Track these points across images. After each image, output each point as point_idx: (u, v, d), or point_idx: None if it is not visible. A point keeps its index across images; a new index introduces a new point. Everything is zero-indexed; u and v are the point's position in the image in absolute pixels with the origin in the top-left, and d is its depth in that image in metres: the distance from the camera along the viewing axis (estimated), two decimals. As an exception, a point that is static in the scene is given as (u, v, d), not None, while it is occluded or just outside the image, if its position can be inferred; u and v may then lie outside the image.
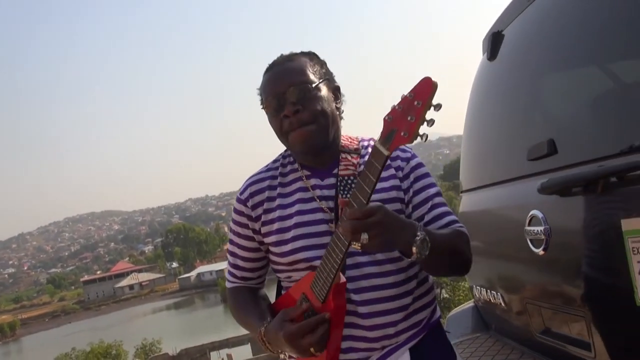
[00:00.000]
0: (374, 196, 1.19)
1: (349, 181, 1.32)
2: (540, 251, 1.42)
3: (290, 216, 1.33)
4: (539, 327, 1.56)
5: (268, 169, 1.44)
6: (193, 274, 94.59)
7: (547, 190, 1.34)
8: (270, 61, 1.39)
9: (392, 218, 1.12)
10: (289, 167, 1.41)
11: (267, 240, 1.36)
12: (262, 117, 1.42)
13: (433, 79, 1.01)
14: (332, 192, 1.33)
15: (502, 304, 1.80)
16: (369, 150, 1.30)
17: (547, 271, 1.46)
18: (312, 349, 1.21)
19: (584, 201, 1.26)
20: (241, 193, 1.42)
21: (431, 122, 1.02)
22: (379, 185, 1.27)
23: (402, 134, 1.03)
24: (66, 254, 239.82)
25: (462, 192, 2.18)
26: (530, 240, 1.46)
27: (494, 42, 1.90)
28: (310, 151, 1.34)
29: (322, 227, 1.30)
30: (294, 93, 1.30)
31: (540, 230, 1.41)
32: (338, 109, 1.38)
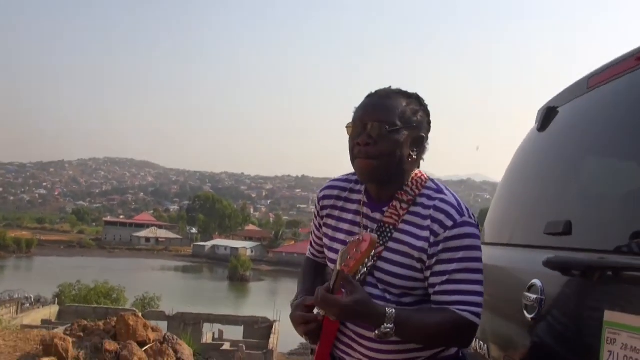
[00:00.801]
0: (397, 246, 1.45)
1: (388, 228, 1.47)
2: (530, 317, 1.54)
3: (340, 231, 1.58)
4: (512, 385, 1.67)
5: (345, 179, 1.63)
6: (209, 244, 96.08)
7: (550, 265, 1.46)
8: (371, 88, 1.54)
9: (347, 311, 1.33)
10: (358, 187, 1.58)
11: (323, 237, 1.64)
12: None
13: (374, 240, 1.30)
14: (373, 226, 1.50)
15: (487, 356, 1.92)
16: (422, 202, 1.47)
17: (531, 336, 1.57)
18: (304, 337, 1.50)
19: (579, 283, 1.38)
20: (320, 191, 1.67)
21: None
22: (408, 239, 1.44)
23: (344, 265, 1.32)
24: (97, 191, 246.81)
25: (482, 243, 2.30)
26: (525, 304, 1.58)
27: (547, 115, 2.01)
28: (365, 181, 1.52)
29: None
30: (373, 128, 1.43)
31: (535, 298, 1.53)
32: (411, 155, 1.48)
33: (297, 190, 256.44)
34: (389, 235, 1.46)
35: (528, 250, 1.75)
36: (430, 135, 1.55)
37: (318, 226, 1.67)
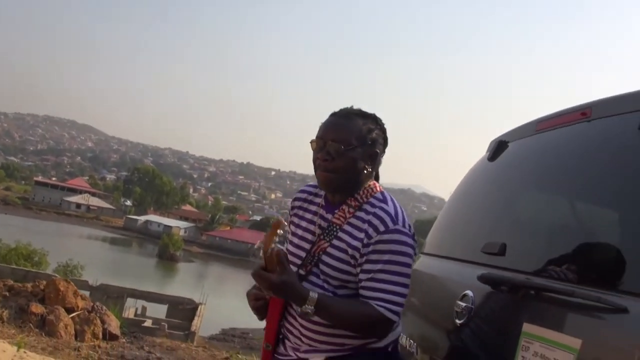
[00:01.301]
0: (340, 244, 1.69)
1: (335, 228, 1.71)
2: (458, 322, 1.76)
3: (300, 227, 1.83)
4: (435, 381, 1.89)
5: (314, 186, 1.88)
6: (142, 218, 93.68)
7: (484, 279, 1.68)
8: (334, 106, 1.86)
9: (276, 288, 1.59)
10: (321, 192, 1.85)
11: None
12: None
13: (283, 222, 1.67)
14: (325, 225, 1.75)
15: (415, 354, 2.13)
16: (367, 208, 1.70)
17: (458, 340, 1.79)
18: (254, 311, 1.82)
19: (505, 298, 1.60)
20: (296, 193, 1.94)
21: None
22: (348, 239, 1.68)
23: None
24: (31, 148, 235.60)
25: (422, 253, 2.51)
26: (456, 311, 1.79)
27: (498, 148, 2.25)
28: (324, 190, 1.78)
29: (306, 246, 1.78)
30: (331, 146, 1.68)
31: (466, 307, 1.74)
32: (366, 168, 1.72)
33: (240, 177, 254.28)
34: (335, 233, 1.70)
35: (465, 264, 1.97)
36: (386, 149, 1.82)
37: (290, 223, 1.90)
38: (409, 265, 1.65)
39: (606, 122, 1.62)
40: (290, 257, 1.76)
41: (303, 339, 1.73)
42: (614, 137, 1.56)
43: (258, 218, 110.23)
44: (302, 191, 1.91)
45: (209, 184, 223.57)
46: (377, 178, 1.83)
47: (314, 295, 1.58)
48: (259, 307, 1.80)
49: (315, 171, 1.74)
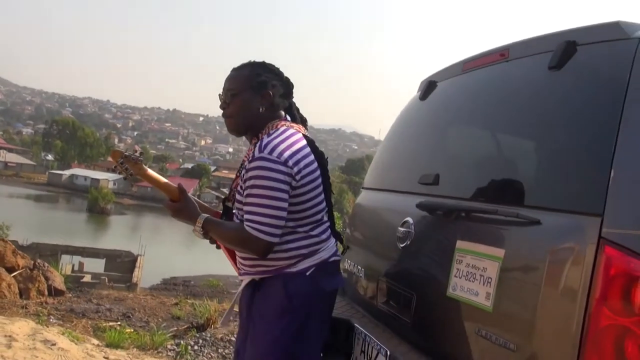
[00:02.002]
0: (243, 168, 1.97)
1: (243, 164, 1.98)
2: (400, 245, 2.00)
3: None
4: (382, 298, 2.15)
5: None
6: (67, 172, 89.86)
7: (421, 206, 1.91)
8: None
9: (175, 212, 2.00)
10: None
11: None
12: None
13: (120, 153, 2.04)
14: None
15: (362, 277, 2.38)
16: (258, 143, 1.94)
17: (401, 260, 2.04)
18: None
19: (441, 221, 1.85)
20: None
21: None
22: (246, 163, 1.95)
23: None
24: None
25: (363, 187, 2.74)
26: (398, 237, 2.03)
27: (428, 87, 2.45)
28: (232, 134, 2.07)
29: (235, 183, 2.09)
30: (224, 96, 2.02)
31: (407, 232, 1.98)
32: (260, 108, 1.99)
33: (167, 124, 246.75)
34: (244, 168, 1.95)
35: (404, 195, 2.20)
36: (297, 90, 2.09)
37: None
38: (272, 189, 1.83)
39: (522, 62, 1.85)
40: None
41: (239, 265, 2.07)
42: (528, 76, 1.79)
43: (189, 166, 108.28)
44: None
45: (135, 133, 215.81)
46: (293, 119, 2.06)
47: (201, 217, 1.93)
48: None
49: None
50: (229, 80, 2.02)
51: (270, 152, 1.85)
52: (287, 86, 2.06)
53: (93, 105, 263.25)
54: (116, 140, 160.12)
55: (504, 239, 1.56)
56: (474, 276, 1.60)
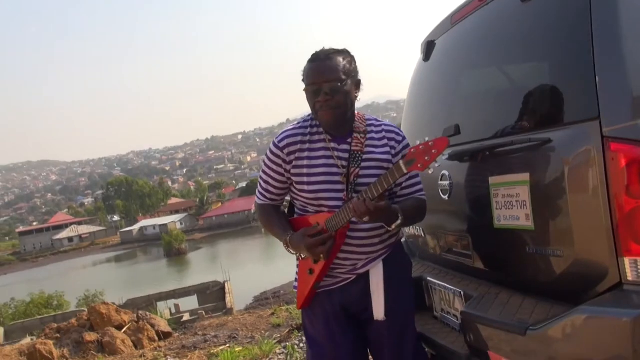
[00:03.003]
0: (369, 163, 1.96)
1: (358, 155, 1.97)
2: (446, 197, 2.19)
3: (317, 166, 1.98)
4: (445, 248, 2.35)
5: (300, 126, 2.04)
6: (136, 227, 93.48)
7: (452, 157, 2.10)
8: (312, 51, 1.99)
9: (386, 212, 1.83)
10: (315, 130, 2.03)
11: (296, 179, 2.01)
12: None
13: (449, 140, 1.71)
14: (345, 155, 1.97)
15: (423, 236, 2.59)
16: (373, 130, 2.02)
17: (449, 210, 2.23)
18: (322, 255, 1.94)
19: (471, 165, 2.03)
20: (280, 142, 2.02)
21: (433, 168, 1.73)
22: (378, 150, 1.99)
23: (419, 165, 1.72)
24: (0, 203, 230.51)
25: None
26: (441, 190, 2.22)
27: (428, 47, 2.62)
28: (330, 127, 1.98)
29: (337, 178, 1.97)
30: (328, 87, 1.91)
31: (447, 184, 2.17)
32: (356, 96, 2.01)
33: (211, 152, 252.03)
34: (360, 158, 1.96)
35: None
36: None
37: (282, 172, 2.03)
38: None
39: (499, 2, 2.00)
40: (324, 187, 1.97)
41: (362, 257, 2.01)
42: (507, 13, 1.94)
43: (244, 184, 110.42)
44: (291, 136, 2.01)
45: (184, 170, 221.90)
46: None
47: (399, 209, 1.89)
48: (328, 249, 1.92)
49: (316, 114, 1.96)
50: (327, 71, 1.91)
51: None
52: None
53: (138, 158, 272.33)
54: (170, 183, 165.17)
55: (526, 164, 1.73)
56: (511, 204, 1.78)
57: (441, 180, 2.22)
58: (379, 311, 2.02)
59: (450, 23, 2.40)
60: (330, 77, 1.91)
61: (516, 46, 1.87)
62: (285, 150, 2.01)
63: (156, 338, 6.75)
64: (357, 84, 2.01)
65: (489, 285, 2.02)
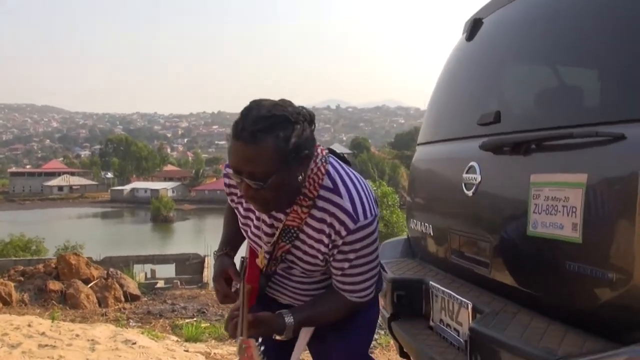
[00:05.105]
0: (301, 245, 1.58)
1: (293, 231, 1.57)
2: (469, 193, 1.88)
3: (247, 220, 1.67)
4: (455, 251, 2.04)
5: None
6: (127, 187, 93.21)
7: (485, 147, 1.78)
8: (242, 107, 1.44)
9: (263, 325, 1.54)
10: None
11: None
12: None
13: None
14: (279, 224, 1.58)
15: (431, 234, 2.28)
16: (319, 207, 1.53)
17: (471, 208, 1.92)
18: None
19: (508, 158, 1.71)
20: (225, 174, 1.68)
21: None
22: (310, 242, 1.57)
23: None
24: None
25: (418, 144, 2.61)
26: (465, 184, 1.91)
27: (474, 26, 2.29)
28: (267, 213, 1.57)
29: (264, 245, 1.64)
30: (251, 182, 1.41)
31: (474, 177, 1.86)
32: (301, 174, 1.47)
33: (214, 127, 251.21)
34: (295, 235, 1.57)
35: (463, 141, 2.07)
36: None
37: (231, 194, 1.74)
38: (376, 250, 1.61)
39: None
40: (252, 244, 1.70)
41: (295, 301, 1.74)
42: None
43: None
44: (227, 175, 1.66)
45: (185, 140, 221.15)
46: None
47: (289, 320, 1.56)
48: (234, 325, 1.58)
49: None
50: (251, 161, 1.39)
51: (364, 216, 1.52)
52: (312, 120, 1.50)
53: (142, 120, 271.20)
54: (169, 150, 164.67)
55: (584, 162, 1.42)
56: (555, 208, 1.46)
57: (467, 172, 1.91)
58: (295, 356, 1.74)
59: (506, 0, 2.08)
60: (254, 171, 1.40)
61: (587, 21, 1.55)
62: (227, 181, 1.71)
63: (122, 299, 6.44)
64: (303, 159, 1.45)
65: (505, 302, 1.71)
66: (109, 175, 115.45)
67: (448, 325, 1.94)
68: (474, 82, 2.21)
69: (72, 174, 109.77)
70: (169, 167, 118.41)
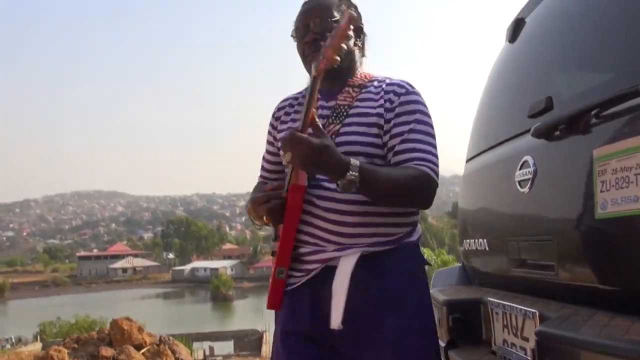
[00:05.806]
0: (354, 119, 1.50)
1: (343, 110, 1.53)
2: (525, 190, 1.67)
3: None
4: (515, 262, 1.79)
5: (297, 92, 1.71)
6: (187, 267, 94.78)
7: (537, 133, 1.59)
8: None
9: (317, 152, 1.30)
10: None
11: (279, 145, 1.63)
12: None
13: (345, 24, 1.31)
14: (328, 113, 1.55)
15: (486, 249, 2.04)
16: (373, 85, 1.56)
17: (529, 207, 1.69)
18: (264, 217, 1.51)
19: (565, 139, 1.50)
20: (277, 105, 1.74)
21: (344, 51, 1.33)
22: (363, 110, 1.51)
23: (321, 58, 1.31)
24: (67, 227, 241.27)
25: (467, 161, 2.42)
26: (519, 182, 1.70)
27: (516, 27, 2.16)
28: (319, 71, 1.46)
29: None
30: (317, 24, 1.53)
31: (528, 172, 1.65)
32: (357, 44, 1.60)
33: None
34: (345, 114, 1.53)
35: (514, 140, 1.88)
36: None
37: (273, 140, 1.71)
38: (432, 128, 1.52)
39: None
40: None
41: (331, 237, 1.48)
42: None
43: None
44: (284, 100, 1.73)
45: (243, 218, 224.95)
46: None
47: (355, 161, 1.34)
48: (274, 208, 1.48)
49: (306, 60, 1.55)
50: (317, 8, 1.56)
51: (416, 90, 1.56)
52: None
53: (201, 200, 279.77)
54: (227, 229, 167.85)
55: (656, 119, 1.21)
56: (625, 180, 1.24)
57: (520, 168, 1.71)
58: (336, 316, 1.42)
59: (549, -10, 1.95)
60: (320, 13, 1.55)
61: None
62: (275, 115, 1.73)
63: (174, 365, 6.26)
64: (358, 30, 1.60)
65: (576, 308, 1.45)
66: (171, 255, 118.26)
67: (513, 344, 1.67)
68: (524, 81, 2.04)
69: (136, 255, 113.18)
70: (228, 246, 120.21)
